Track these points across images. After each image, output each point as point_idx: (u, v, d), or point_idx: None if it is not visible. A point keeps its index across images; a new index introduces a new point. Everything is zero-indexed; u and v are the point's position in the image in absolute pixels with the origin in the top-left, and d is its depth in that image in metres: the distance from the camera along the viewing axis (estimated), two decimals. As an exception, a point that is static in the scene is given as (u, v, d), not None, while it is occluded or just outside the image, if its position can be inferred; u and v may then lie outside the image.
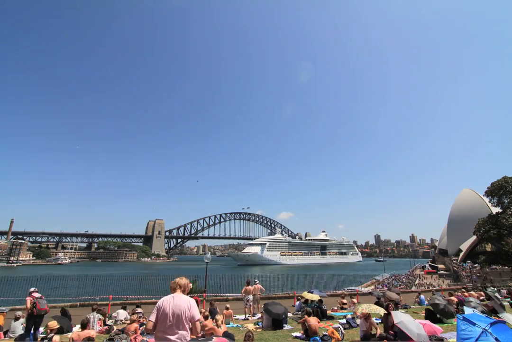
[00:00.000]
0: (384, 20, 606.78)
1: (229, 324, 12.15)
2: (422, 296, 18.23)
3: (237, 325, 12.13)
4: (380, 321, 11.66)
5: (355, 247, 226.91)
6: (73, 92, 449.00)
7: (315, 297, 13.86)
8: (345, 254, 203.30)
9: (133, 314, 12.26)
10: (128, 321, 13.05)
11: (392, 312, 8.03)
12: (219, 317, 9.64)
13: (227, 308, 12.85)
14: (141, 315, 13.12)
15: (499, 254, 36.48)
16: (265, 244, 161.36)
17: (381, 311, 8.88)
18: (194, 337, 9.15)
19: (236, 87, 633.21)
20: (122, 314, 13.29)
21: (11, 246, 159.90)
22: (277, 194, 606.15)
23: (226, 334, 9.22)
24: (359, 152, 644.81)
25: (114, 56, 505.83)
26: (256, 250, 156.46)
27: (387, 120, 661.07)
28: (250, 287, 14.82)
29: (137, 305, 14.24)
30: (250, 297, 14.45)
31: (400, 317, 7.89)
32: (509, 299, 17.60)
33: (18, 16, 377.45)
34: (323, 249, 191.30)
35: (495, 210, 42.48)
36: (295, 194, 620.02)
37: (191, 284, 4.01)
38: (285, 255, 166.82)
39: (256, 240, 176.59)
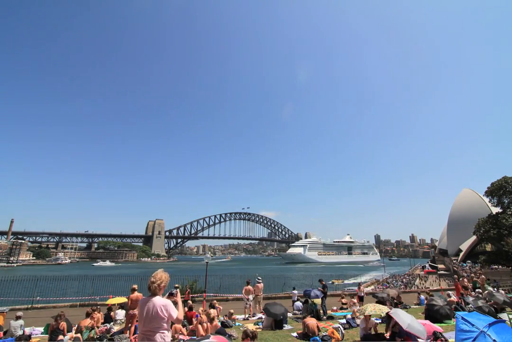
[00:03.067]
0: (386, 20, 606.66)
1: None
2: (422, 296, 18.23)
3: (238, 324, 12.14)
4: (380, 321, 11.67)
5: (374, 248, 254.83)
6: (74, 90, 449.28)
7: (318, 301, 13.92)
8: (366, 253, 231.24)
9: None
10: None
11: (395, 316, 7.86)
12: (213, 311, 9.75)
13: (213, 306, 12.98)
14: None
15: (499, 254, 36.38)
16: (306, 245, 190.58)
17: (386, 310, 8.86)
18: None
19: (234, 88, 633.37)
20: (120, 314, 13.24)
21: (11, 246, 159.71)
22: (276, 195, 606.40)
23: (219, 331, 9.26)
24: (359, 154, 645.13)
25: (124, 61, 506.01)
26: (300, 250, 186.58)
27: (386, 120, 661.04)
28: (249, 286, 14.74)
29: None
30: (251, 297, 14.38)
31: (406, 320, 7.56)
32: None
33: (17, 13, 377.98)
34: (349, 249, 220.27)
35: (495, 210, 42.42)
36: (294, 194, 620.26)
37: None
38: (321, 255, 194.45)
39: (297, 242, 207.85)
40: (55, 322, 9.53)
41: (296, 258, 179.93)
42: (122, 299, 14.57)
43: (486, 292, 15.65)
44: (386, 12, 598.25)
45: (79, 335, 9.15)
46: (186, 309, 12.55)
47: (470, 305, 12.55)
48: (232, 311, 13.00)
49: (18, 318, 10.65)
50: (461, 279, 20.97)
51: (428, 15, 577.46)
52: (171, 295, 4.39)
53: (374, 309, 8.67)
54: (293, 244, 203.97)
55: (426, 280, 57.10)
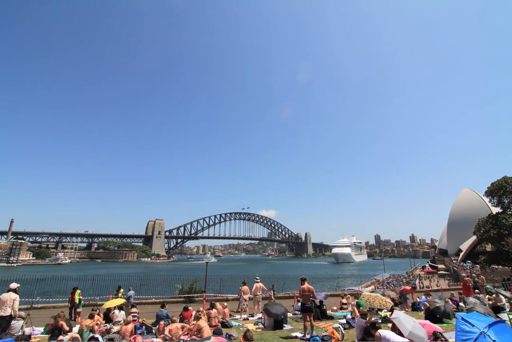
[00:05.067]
0: (386, 21, 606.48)
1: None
2: (423, 297, 18.22)
3: (238, 324, 12.13)
4: (380, 321, 11.67)
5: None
6: (76, 87, 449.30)
7: (316, 301, 13.93)
8: (362, 254, 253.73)
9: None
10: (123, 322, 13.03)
11: (396, 321, 7.93)
12: (213, 312, 9.80)
13: (224, 306, 13.00)
14: (136, 315, 13.03)
15: (499, 254, 36.38)
16: (350, 246, 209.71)
17: (388, 303, 8.92)
18: (195, 337, 9.24)
19: (232, 87, 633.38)
20: (119, 315, 13.19)
21: (11, 246, 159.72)
22: (277, 194, 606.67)
23: (216, 331, 9.29)
24: (359, 154, 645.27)
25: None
26: (348, 250, 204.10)
27: (387, 122, 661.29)
28: (246, 287, 14.75)
29: (132, 305, 14.19)
30: (247, 297, 14.38)
31: (398, 314, 7.99)
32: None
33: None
34: (361, 249, 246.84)
35: (495, 210, 42.41)
36: (294, 194, 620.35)
37: None
38: (356, 255, 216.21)
39: (340, 242, 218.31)
40: (54, 321, 9.56)
41: (345, 258, 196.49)
42: (120, 301, 14.55)
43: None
44: (386, 13, 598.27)
45: (78, 335, 9.15)
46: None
47: (471, 305, 12.54)
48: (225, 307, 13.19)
49: (20, 318, 10.62)
50: (476, 278, 20.47)
51: (426, 16, 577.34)
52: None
53: (381, 303, 8.66)
54: (337, 245, 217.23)
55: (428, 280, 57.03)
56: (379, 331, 7.00)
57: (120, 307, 13.46)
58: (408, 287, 16.40)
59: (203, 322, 9.10)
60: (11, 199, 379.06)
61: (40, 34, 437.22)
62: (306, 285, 9.75)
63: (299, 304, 15.65)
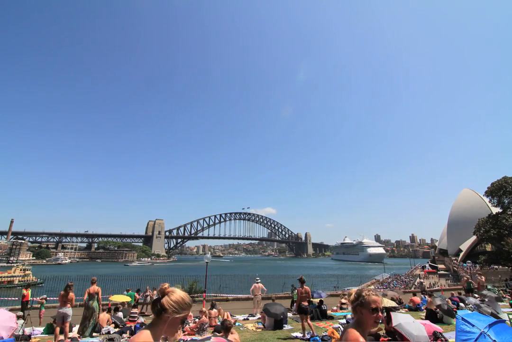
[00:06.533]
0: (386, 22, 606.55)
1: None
2: (423, 297, 18.23)
3: (238, 324, 12.14)
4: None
5: None
6: (74, 86, 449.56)
7: (315, 300, 13.94)
8: None
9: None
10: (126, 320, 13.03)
11: (392, 314, 7.94)
12: (213, 312, 9.83)
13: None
14: (136, 315, 13.05)
15: (499, 254, 36.41)
16: (381, 246, 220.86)
17: (392, 304, 9.03)
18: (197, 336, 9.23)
19: (232, 89, 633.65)
20: (120, 316, 13.23)
21: (11, 246, 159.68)
22: (278, 195, 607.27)
23: (216, 329, 9.33)
24: (360, 154, 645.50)
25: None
26: (382, 250, 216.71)
27: (389, 123, 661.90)
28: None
29: (133, 305, 14.21)
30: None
31: (399, 319, 7.81)
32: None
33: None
34: None
35: (495, 210, 42.44)
36: (296, 194, 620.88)
37: None
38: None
39: (370, 242, 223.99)
40: (64, 292, 9.61)
41: (382, 257, 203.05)
42: (126, 298, 14.63)
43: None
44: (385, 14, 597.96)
45: (77, 335, 9.19)
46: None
47: (470, 305, 12.56)
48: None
49: (19, 317, 10.63)
50: (471, 279, 20.56)
51: (435, 12, 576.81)
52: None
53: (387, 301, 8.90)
54: (370, 245, 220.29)
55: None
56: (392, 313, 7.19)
57: (117, 308, 13.46)
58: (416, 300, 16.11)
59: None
60: (11, 199, 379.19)
61: (37, 32, 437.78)
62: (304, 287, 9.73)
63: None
